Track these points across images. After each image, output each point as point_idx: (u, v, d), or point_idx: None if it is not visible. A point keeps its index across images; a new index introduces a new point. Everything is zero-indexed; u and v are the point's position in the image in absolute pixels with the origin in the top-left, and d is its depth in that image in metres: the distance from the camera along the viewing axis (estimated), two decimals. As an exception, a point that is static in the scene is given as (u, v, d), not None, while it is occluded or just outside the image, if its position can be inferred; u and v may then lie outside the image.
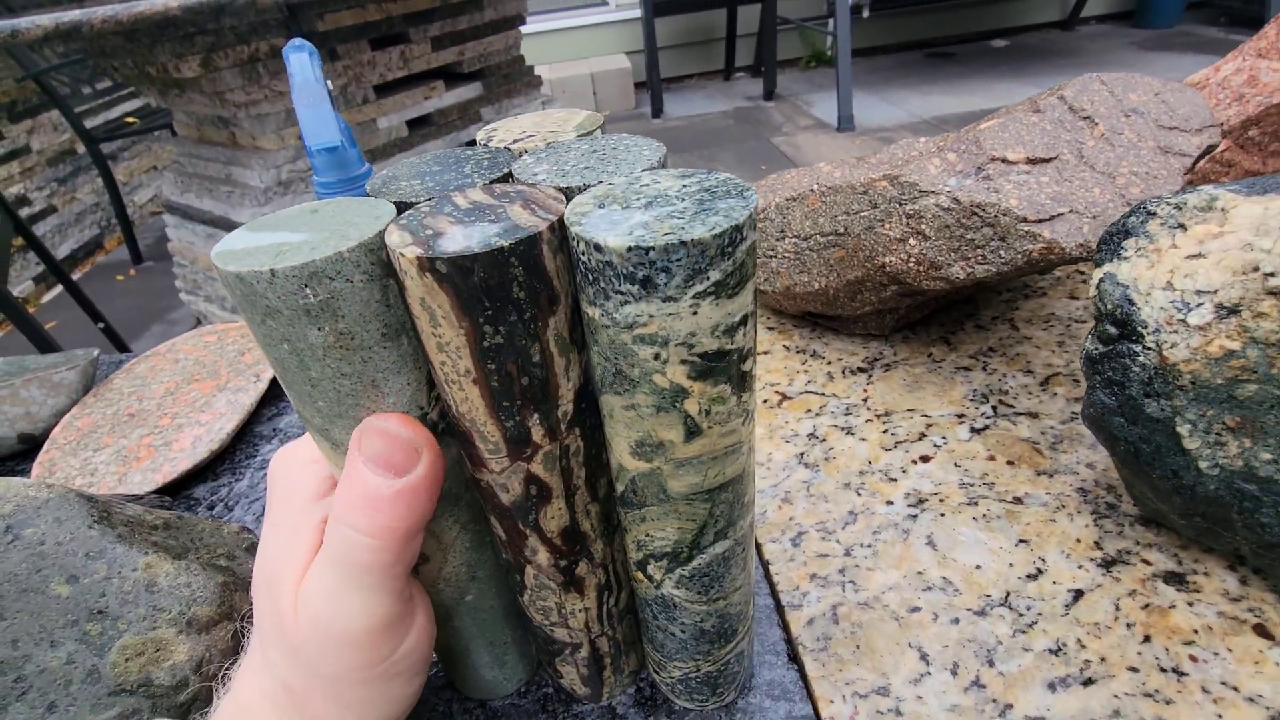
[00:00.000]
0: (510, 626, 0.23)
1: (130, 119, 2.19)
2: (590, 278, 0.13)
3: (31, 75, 1.86)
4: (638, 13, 3.11)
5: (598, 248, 0.13)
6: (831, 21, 2.48)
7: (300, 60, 0.28)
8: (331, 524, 0.16)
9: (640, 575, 0.20)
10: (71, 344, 1.70)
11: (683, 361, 0.14)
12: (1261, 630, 0.23)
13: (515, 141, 0.20)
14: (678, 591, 0.19)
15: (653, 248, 0.12)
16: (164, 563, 0.21)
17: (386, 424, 0.15)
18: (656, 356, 0.14)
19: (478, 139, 0.21)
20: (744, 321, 0.14)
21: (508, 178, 0.17)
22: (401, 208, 0.16)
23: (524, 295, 0.14)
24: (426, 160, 0.19)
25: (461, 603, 0.21)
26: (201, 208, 1.43)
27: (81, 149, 2.37)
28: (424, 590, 0.20)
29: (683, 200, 0.14)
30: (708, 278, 0.13)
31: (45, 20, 0.87)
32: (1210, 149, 0.33)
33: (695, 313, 0.13)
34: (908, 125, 2.53)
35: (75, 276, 2.25)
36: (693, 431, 0.15)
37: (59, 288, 2.13)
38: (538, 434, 0.16)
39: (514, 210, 0.14)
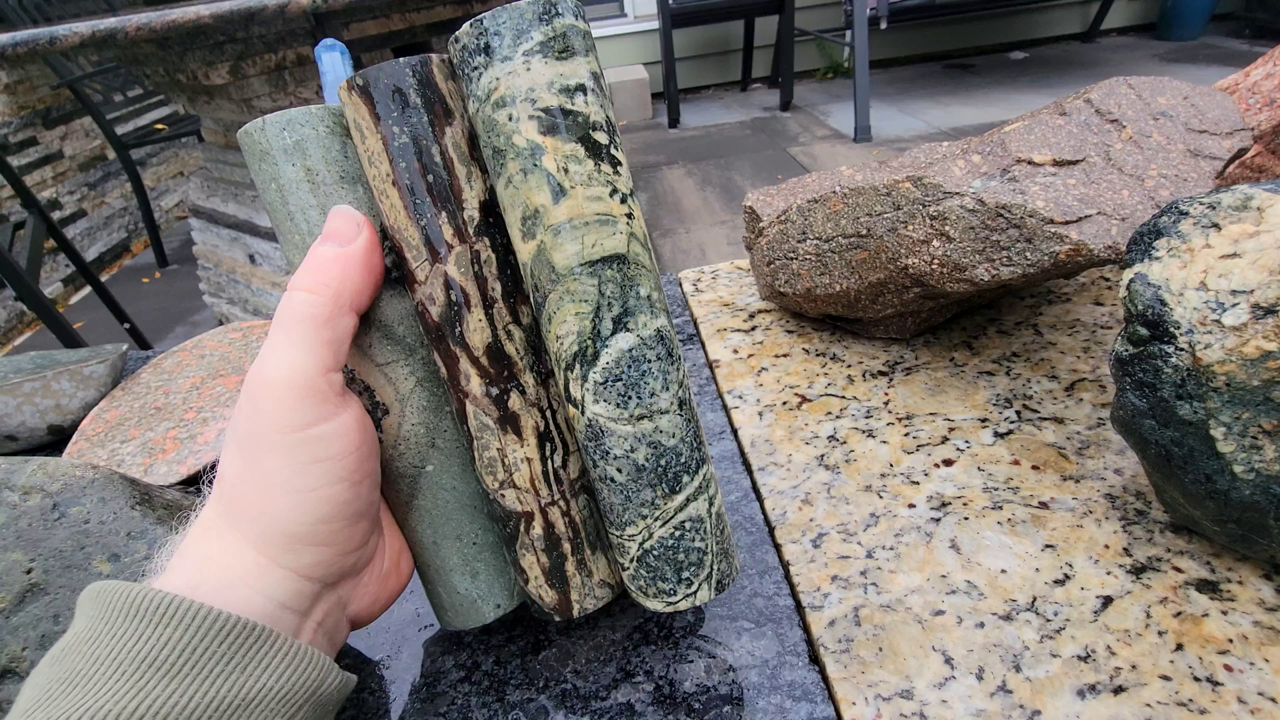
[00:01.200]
0: (476, 522, 0.23)
1: (160, 125, 2.24)
2: (460, 73, 0.18)
3: (66, 83, 1.91)
4: (655, 24, 3.14)
5: (455, 39, 0.18)
6: (849, 33, 2.49)
7: (332, 59, 0.29)
8: (283, 297, 0.19)
9: (572, 410, 0.20)
10: (98, 343, 1.73)
11: (530, 117, 0.17)
12: (1299, 641, 0.23)
13: None
14: (599, 408, 0.19)
15: (485, 17, 0.17)
16: (191, 547, 0.22)
17: (342, 206, 0.19)
18: (510, 117, 0.18)
19: None
20: (580, 90, 0.18)
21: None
22: None
23: (420, 101, 0.18)
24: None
25: (422, 473, 0.22)
26: (226, 212, 1.45)
27: (112, 155, 2.43)
28: (363, 409, 0.20)
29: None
30: (530, 37, 0.17)
31: (82, 28, 0.89)
32: (1241, 152, 0.33)
33: (529, 69, 0.17)
34: (925, 136, 2.52)
35: (103, 278, 2.30)
36: (559, 191, 0.18)
37: (87, 289, 2.18)
38: (449, 233, 0.19)
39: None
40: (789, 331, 0.44)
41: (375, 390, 0.21)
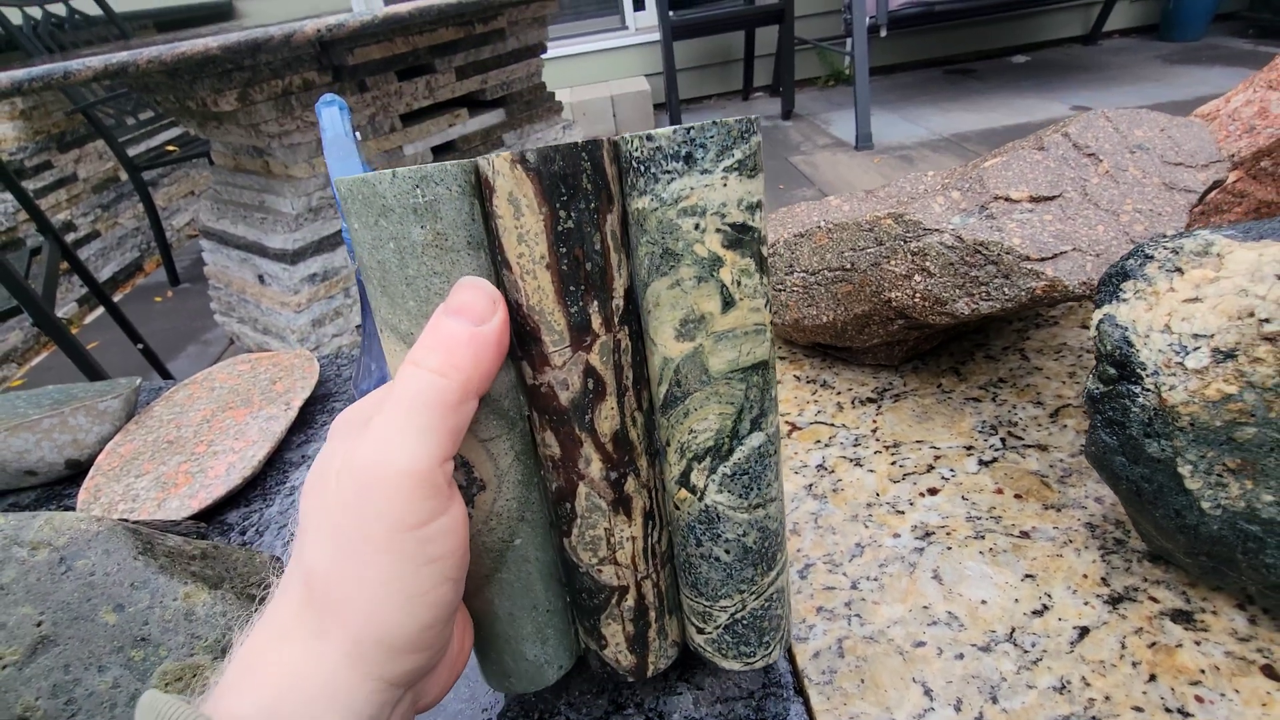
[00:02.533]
0: (552, 592, 0.23)
1: (171, 147, 2.28)
2: (642, 169, 0.17)
3: (80, 108, 1.96)
4: (657, 36, 3.16)
5: (649, 138, 0.17)
6: (849, 41, 2.50)
7: (331, 115, 0.30)
8: (402, 368, 0.17)
9: (684, 493, 0.21)
10: (111, 363, 1.76)
11: (718, 230, 0.18)
12: (1270, 671, 0.23)
13: None
14: (721, 497, 0.20)
15: (693, 126, 0.17)
16: (201, 592, 0.23)
17: (474, 279, 0.18)
18: (697, 226, 0.18)
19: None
20: (759, 206, 0.18)
21: None
22: None
23: (590, 187, 0.17)
24: None
25: (510, 547, 0.21)
26: (236, 233, 1.48)
27: (124, 176, 2.47)
28: (460, 497, 0.19)
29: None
30: (733, 154, 0.17)
31: (95, 62, 0.92)
32: (1216, 184, 0.34)
33: (725, 184, 0.17)
34: (927, 143, 2.53)
35: (116, 298, 2.34)
36: (728, 302, 0.18)
37: (101, 309, 2.21)
38: (596, 322, 0.18)
39: (574, 135, 0.21)
40: (781, 359, 0.45)
41: (474, 466, 0.20)
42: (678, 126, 0.17)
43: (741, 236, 0.18)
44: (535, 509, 0.22)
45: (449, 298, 0.18)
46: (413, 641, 0.17)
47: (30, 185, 2.14)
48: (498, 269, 0.18)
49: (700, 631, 0.23)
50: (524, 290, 0.18)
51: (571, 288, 0.18)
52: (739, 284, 0.18)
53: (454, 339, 0.17)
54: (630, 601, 0.22)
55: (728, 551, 0.21)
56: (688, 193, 0.17)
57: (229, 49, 1.01)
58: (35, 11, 2.03)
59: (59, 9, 2.11)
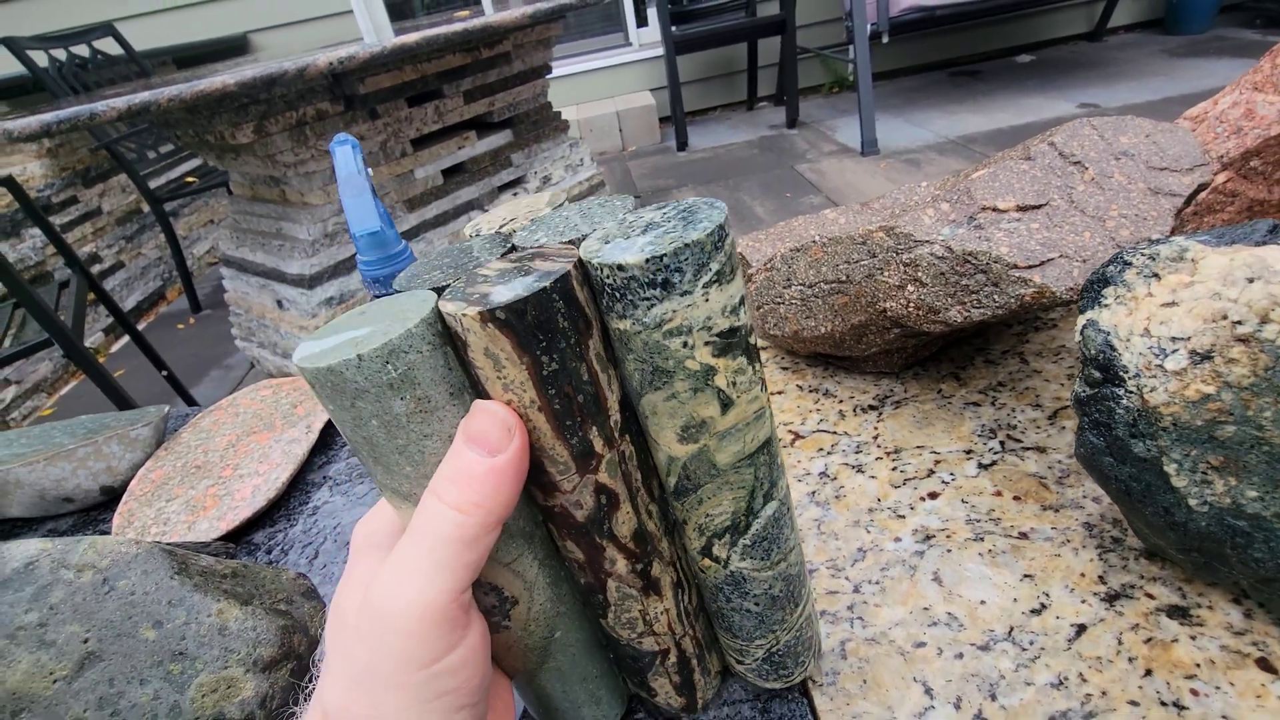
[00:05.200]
0: (597, 660, 0.24)
1: (190, 179, 2.35)
2: (617, 296, 0.17)
3: (104, 145, 2.03)
4: (660, 51, 3.20)
5: (620, 268, 0.16)
6: (851, 49, 2.52)
7: (344, 154, 0.32)
8: (422, 500, 0.17)
9: (708, 561, 0.22)
10: (137, 390, 1.81)
11: (706, 343, 0.17)
12: (1264, 664, 0.24)
13: (503, 225, 0.24)
14: (744, 564, 0.21)
15: (665, 254, 0.16)
16: (233, 608, 0.24)
17: (489, 404, 0.17)
18: (685, 344, 0.17)
19: (466, 232, 0.24)
20: (742, 302, 0.18)
21: (513, 249, 0.20)
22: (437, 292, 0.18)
23: (567, 324, 0.17)
24: (435, 255, 0.22)
25: (552, 640, 0.22)
26: (254, 260, 1.52)
27: (146, 208, 2.54)
28: (482, 617, 0.19)
29: (669, 221, 0.17)
30: (710, 269, 0.16)
31: (119, 102, 0.96)
32: (1202, 188, 0.34)
33: (707, 299, 0.17)
34: (933, 146, 2.53)
35: (141, 326, 2.40)
36: (726, 403, 0.18)
37: (126, 338, 2.27)
38: (598, 444, 0.18)
39: (536, 264, 0.17)
40: (783, 368, 0.46)
41: (503, 588, 0.20)
42: (650, 256, 0.16)
43: (730, 340, 0.17)
44: (568, 600, 0.22)
45: (466, 420, 0.17)
46: None
47: (57, 220, 2.21)
48: None
49: (739, 663, 0.25)
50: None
51: (568, 422, 0.17)
52: (734, 385, 0.18)
53: (472, 473, 0.16)
54: (673, 659, 0.24)
55: (757, 603, 0.22)
56: (670, 315, 0.16)
57: (245, 85, 1.04)
58: (60, 53, 2.11)
59: (82, 50, 2.19)
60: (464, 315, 0.16)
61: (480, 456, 0.16)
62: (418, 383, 0.16)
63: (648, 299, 0.16)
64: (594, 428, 0.18)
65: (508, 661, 0.22)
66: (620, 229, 0.18)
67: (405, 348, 0.16)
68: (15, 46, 1.95)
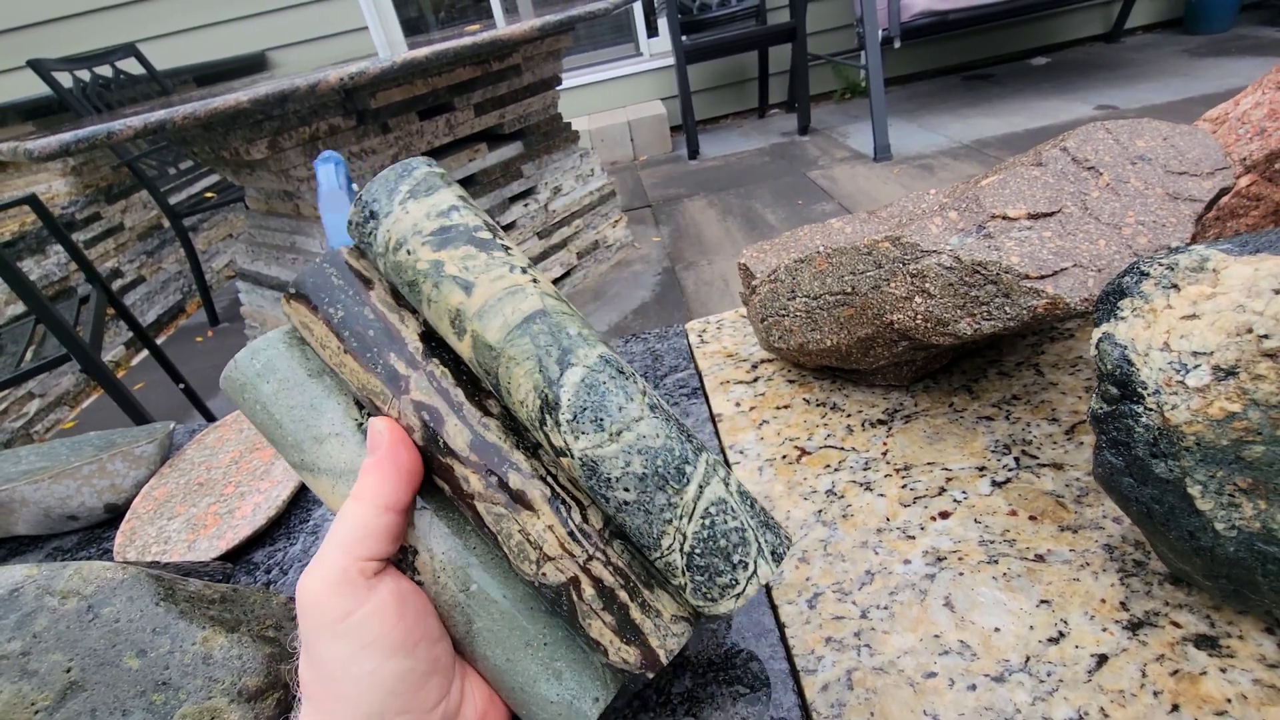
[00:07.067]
0: (544, 625, 0.23)
1: (209, 194, 2.39)
2: (365, 246, 0.23)
3: (125, 162, 2.07)
4: (671, 61, 3.21)
5: (350, 222, 0.23)
6: (863, 55, 2.50)
7: (326, 171, 0.32)
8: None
9: (564, 460, 0.21)
10: (156, 404, 1.84)
11: (423, 243, 0.21)
12: (1301, 700, 0.22)
13: None
14: (582, 443, 0.20)
15: (362, 194, 0.23)
16: (219, 636, 0.24)
17: (373, 419, 0.22)
18: (408, 252, 0.21)
19: None
20: (453, 209, 0.22)
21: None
22: None
23: (342, 281, 0.23)
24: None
25: (470, 596, 0.22)
26: (269, 274, 1.54)
27: (166, 223, 2.59)
28: (398, 577, 0.21)
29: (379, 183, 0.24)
30: (400, 191, 0.22)
31: (135, 121, 0.98)
32: (1224, 192, 0.33)
33: (408, 212, 0.22)
34: (947, 151, 2.50)
35: (161, 339, 2.44)
36: (467, 286, 0.21)
37: (145, 351, 2.31)
38: (401, 366, 0.22)
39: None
40: (790, 381, 0.45)
41: (403, 540, 0.22)
42: (356, 202, 0.22)
43: (445, 235, 0.21)
44: (480, 552, 0.23)
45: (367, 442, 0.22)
46: (384, 709, 0.20)
47: (81, 236, 2.25)
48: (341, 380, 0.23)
49: (683, 590, 0.21)
50: (350, 382, 0.23)
51: (367, 355, 0.22)
52: (467, 269, 0.21)
53: (363, 470, 0.21)
54: (589, 590, 0.21)
55: (627, 489, 0.20)
56: (387, 235, 0.21)
57: (258, 101, 1.06)
58: (84, 74, 2.16)
59: (106, 70, 2.24)
60: (281, 301, 0.23)
61: (368, 458, 0.21)
62: (276, 369, 0.23)
63: (370, 232, 0.22)
64: (391, 354, 0.22)
65: (450, 631, 0.23)
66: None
67: (263, 346, 0.23)
68: (41, 68, 2.00)
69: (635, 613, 0.22)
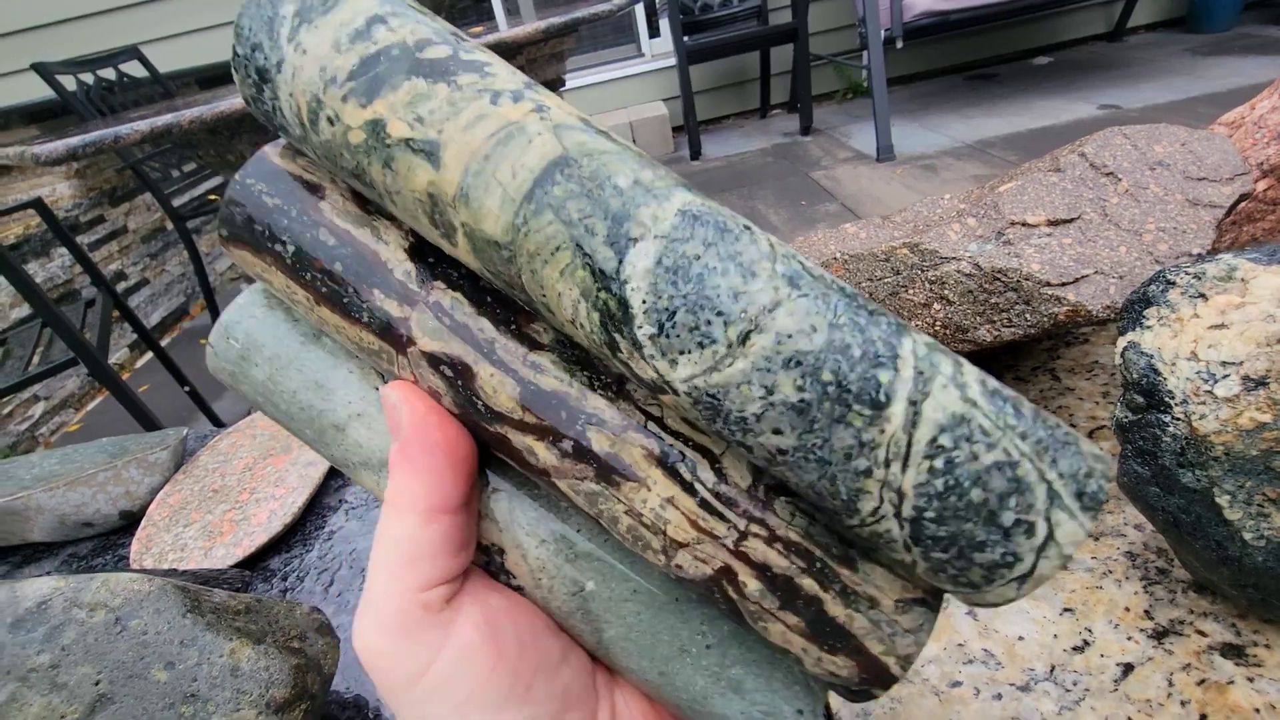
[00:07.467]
0: (696, 622, 0.16)
1: (212, 196, 2.40)
2: (279, 128, 0.15)
3: (129, 165, 2.07)
4: (673, 61, 3.21)
5: (249, 101, 0.15)
6: (865, 55, 2.50)
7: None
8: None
9: (666, 398, 0.13)
10: (161, 406, 1.84)
11: (343, 97, 0.13)
12: (1331, 710, 0.22)
13: None
14: (682, 370, 0.12)
15: (233, 46, 0.15)
16: (245, 647, 0.24)
17: (382, 391, 0.16)
18: (329, 120, 0.14)
19: None
20: (376, 21, 0.14)
21: None
22: None
23: (278, 200, 0.16)
24: None
25: (588, 598, 0.16)
26: (274, 276, 1.54)
27: (170, 226, 2.60)
28: (482, 607, 0.15)
29: None
30: (283, 19, 0.14)
31: (142, 125, 0.98)
32: (1243, 197, 0.33)
33: (304, 50, 0.14)
34: (950, 151, 2.50)
35: (165, 341, 2.44)
36: (428, 150, 0.13)
37: (150, 354, 2.31)
38: (392, 307, 0.15)
39: None
40: (805, 387, 0.45)
41: (482, 537, 0.17)
42: (232, 49, 0.14)
43: (374, 73, 0.13)
44: (584, 536, 0.16)
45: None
46: None
47: (85, 239, 2.26)
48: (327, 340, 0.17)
49: (909, 566, 0.13)
50: (338, 339, 0.16)
51: (346, 299, 0.15)
52: (420, 120, 0.13)
53: (390, 464, 0.15)
54: (751, 583, 0.14)
55: (779, 431, 0.12)
56: (293, 100, 0.14)
57: (264, 105, 1.06)
58: (88, 77, 2.17)
59: (109, 73, 2.25)
60: (225, 250, 0.16)
61: (392, 445, 0.15)
62: (262, 345, 0.17)
63: (269, 105, 0.14)
64: (376, 291, 0.15)
65: (578, 641, 0.17)
66: None
67: (235, 319, 0.17)
68: (45, 71, 2.01)
69: (832, 606, 0.14)
